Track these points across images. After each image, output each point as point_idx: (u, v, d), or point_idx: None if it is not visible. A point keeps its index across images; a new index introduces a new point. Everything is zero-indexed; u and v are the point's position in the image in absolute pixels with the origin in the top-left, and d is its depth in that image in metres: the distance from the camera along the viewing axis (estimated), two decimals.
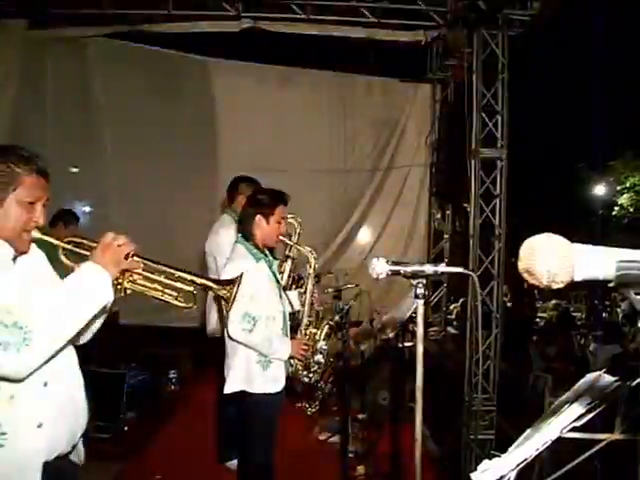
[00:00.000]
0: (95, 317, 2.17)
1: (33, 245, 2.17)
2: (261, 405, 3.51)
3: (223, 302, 2.33)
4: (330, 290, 4.80)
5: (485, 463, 1.57)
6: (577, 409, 1.52)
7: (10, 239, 2.06)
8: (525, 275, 1.01)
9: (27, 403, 2.05)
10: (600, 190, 16.49)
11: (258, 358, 3.47)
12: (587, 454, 1.59)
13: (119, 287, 2.19)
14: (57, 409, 2.15)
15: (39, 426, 2.08)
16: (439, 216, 8.53)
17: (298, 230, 4.23)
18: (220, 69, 7.75)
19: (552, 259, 0.96)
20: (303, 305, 3.86)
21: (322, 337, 3.83)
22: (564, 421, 1.54)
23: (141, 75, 7.43)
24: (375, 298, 5.92)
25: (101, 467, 4.12)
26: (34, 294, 2.00)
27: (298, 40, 6.96)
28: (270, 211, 3.52)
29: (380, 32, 6.73)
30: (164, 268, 2.23)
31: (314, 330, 3.82)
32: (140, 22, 6.70)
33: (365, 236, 8.71)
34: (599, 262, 0.97)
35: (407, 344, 8.12)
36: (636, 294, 0.97)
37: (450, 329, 8.78)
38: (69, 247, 2.21)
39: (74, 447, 2.28)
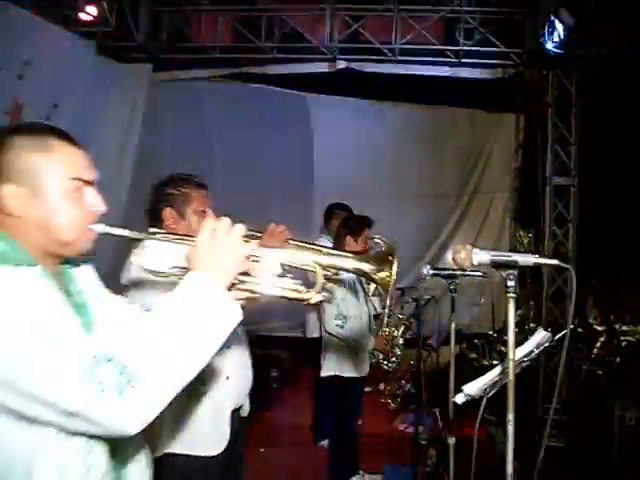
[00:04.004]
0: None
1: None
2: (351, 386, 4.69)
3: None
4: (410, 300, 5.93)
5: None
6: (525, 349, 2.62)
7: None
8: (452, 261, 2.11)
9: (218, 359, 2.43)
10: None
11: (348, 348, 4.65)
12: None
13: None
14: (237, 367, 2.87)
15: (227, 379, 2.79)
16: (526, 241, 9.38)
17: (383, 248, 5.35)
18: (318, 104, 8.93)
19: (462, 254, 2.06)
20: (383, 308, 5.00)
21: (399, 335, 4.97)
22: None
23: (248, 110, 8.69)
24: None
25: None
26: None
27: (389, 77, 7.90)
28: (358, 232, 4.67)
29: (462, 70, 7.67)
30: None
31: (393, 329, 4.97)
32: (248, 64, 7.99)
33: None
34: (483, 255, 2.03)
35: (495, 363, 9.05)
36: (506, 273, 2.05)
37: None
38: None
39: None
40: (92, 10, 6.74)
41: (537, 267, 2.11)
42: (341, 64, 7.76)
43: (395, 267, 1.92)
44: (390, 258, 1.95)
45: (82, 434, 1.52)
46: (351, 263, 1.99)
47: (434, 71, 7.75)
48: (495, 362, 9.05)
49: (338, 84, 8.41)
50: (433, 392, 6.67)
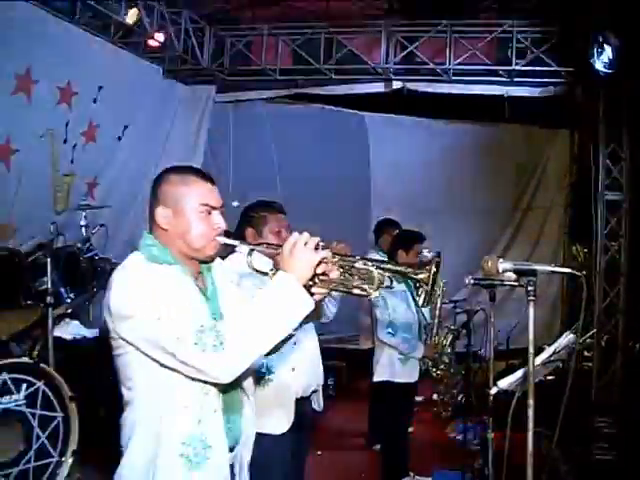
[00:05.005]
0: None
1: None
2: (402, 391, 5.06)
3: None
4: (461, 312, 6.27)
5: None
6: (550, 350, 2.97)
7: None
8: (481, 269, 2.47)
9: (284, 354, 3.12)
10: None
11: (399, 355, 5.01)
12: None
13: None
14: (303, 362, 3.41)
15: (292, 370, 3.37)
16: (582, 256, 9.54)
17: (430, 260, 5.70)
18: (375, 122, 9.37)
19: (490, 263, 2.42)
20: (433, 319, 5.37)
21: (448, 344, 5.33)
22: (543, 357, 2.99)
23: (307, 128, 9.19)
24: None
25: None
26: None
27: (443, 95, 8.20)
28: (409, 247, 5.04)
29: (515, 89, 7.93)
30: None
31: (442, 338, 5.33)
32: (306, 85, 8.39)
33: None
34: (506, 264, 2.41)
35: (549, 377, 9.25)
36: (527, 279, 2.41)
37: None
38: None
39: (312, 394, 3.61)
40: (160, 37, 7.29)
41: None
42: (397, 84, 8.14)
43: (434, 269, 2.29)
44: (430, 266, 2.32)
45: (199, 381, 2.14)
46: (396, 267, 2.53)
47: (487, 90, 8.05)
48: (550, 377, 9.28)
49: (393, 102, 8.75)
50: (484, 402, 6.99)
